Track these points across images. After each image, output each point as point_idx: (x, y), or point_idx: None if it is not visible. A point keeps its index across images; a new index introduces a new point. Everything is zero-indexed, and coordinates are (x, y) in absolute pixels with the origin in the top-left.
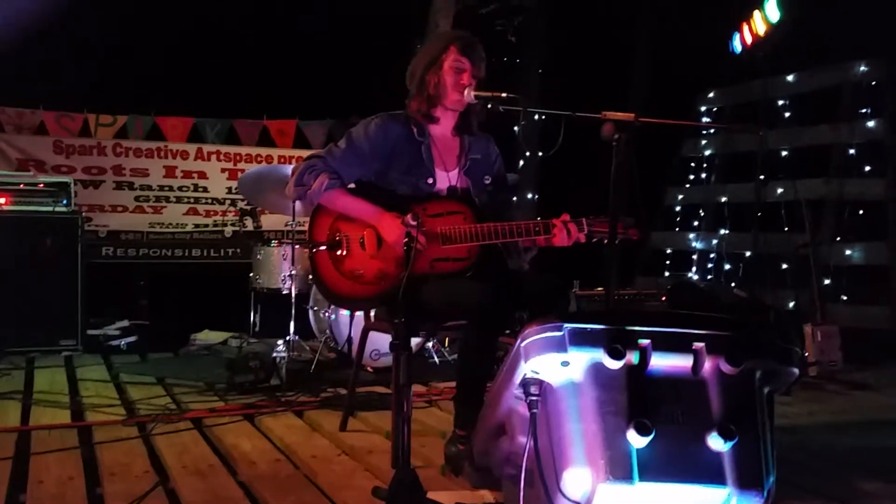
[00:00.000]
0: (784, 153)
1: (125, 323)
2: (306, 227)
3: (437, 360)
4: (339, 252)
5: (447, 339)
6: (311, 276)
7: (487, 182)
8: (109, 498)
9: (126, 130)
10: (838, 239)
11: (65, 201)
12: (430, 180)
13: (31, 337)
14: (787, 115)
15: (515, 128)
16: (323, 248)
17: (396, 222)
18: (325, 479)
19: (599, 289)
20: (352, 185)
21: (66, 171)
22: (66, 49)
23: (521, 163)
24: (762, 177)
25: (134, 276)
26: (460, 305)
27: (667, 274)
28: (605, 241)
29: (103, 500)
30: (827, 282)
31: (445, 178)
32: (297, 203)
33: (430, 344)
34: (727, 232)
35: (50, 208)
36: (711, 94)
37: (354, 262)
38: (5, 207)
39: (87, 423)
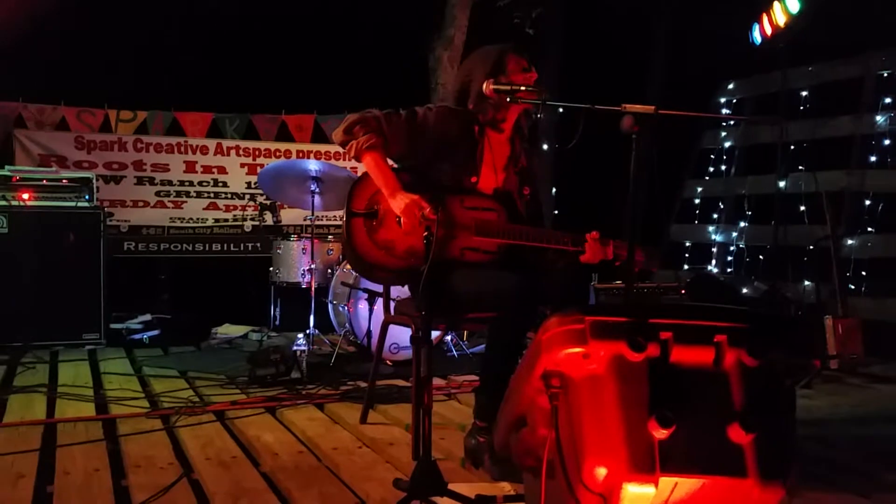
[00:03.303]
0: (804, 145)
1: (147, 317)
2: (327, 218)
3: (455, 353)
4: (374, 222)
5: (466, 333)
6: (342, 245)
7: (527, 193)
8: (135, 489)
9: (146, 126)
10: (859, 231)
11: (87, 196)
12: (474, 178)
13: (54, 331)
14: (807, 106)
15: (538, 115)
16: (360, 216)
17: (407, 198)
18: (346, 471)
19: (618, 282)
20: (394, 166)
21: (88, 167)
22: (86, 45)
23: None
24: (782, 169)
25: (155, 270)
26: (493, 296)
27: (686, 267)
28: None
29: (129, 491)
30: (848, 274)
31: (493, 179)
32: (317, 198)
33: (448, 337)
34: (747, 224)
35: (72, 203)
36: (731, 86)
37: (388, 233)
38: (29, 203)
39: (112, 416)
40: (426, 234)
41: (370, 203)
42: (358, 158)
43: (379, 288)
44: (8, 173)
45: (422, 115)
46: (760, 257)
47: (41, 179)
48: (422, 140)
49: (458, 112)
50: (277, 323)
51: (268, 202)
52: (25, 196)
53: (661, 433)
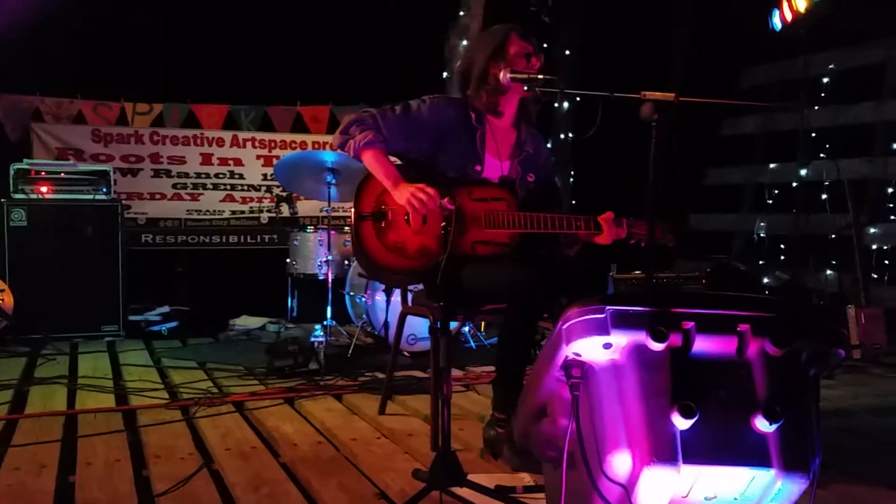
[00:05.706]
0: (826, 132)
1: (166, 309)
2: (343, 210)
3: (473, 344)
4: (383, 223)
5: (483, 324)
6: (352, 248)
7: (531, 180)
8: (155, 479)
9: (162, 118)
10: (882, 220)
11: (104, 189)
12: (479, 167)
13: (74, 323)
14: (829, 92)
15: (556, 104)
16: (368, 218)
17: (410, 187)
18: (365, 462)
19: (637, 272)
20: (397, 161)
21: (105, 160)
22: (102, 39)
23: (550, 144)
24: (804, 157)
25: (173, 262)
26: (501, 289)
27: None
28: (643, 244)
29: (149, 481)
30: (870, 263)
31: (497, 167)
32: (333, 189)
33: (466, 328)
34: (768, 213)
35: (90, 196)
36: (752, 73)
37: (398, 234)
38: (47, 196)
39: (132, 407)
40: (444, 224)
41: (377, 203)
42: (357, 157)
43: None
44: (26, 167)
45: (415, 108)
46: (782, 246)
47: (59, 172)
48: (419, 133)
49: (453, 100)
50: (295, 314)
51: (284, 194)
52: (44, 189)
53: (683, 423)
